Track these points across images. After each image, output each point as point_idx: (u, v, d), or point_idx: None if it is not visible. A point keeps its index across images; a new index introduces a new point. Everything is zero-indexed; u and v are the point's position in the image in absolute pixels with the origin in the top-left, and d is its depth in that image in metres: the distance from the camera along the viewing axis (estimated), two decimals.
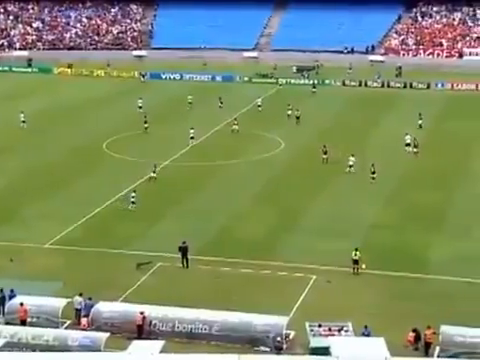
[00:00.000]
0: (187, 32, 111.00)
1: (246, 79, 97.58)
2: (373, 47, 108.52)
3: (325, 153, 62.62)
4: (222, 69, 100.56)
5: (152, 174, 58.56)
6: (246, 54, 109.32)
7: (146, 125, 72.98)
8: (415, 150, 64.51)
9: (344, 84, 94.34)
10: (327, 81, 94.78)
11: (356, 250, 42.94)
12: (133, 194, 53.32)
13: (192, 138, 68.41)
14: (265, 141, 69.85)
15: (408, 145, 65.50)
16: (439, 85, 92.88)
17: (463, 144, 67.92)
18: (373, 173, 57.96)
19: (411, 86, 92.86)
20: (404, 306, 39.07)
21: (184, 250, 44.28)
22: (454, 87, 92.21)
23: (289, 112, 77.58)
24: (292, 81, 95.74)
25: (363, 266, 42.71)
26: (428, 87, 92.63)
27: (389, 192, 56.20)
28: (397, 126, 71.32)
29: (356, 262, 42.80)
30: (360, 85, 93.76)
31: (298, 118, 75.46)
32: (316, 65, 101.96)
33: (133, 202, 52.83)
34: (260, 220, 50.99)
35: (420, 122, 72.32)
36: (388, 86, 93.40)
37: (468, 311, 38.19)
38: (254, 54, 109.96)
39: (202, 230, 49.18)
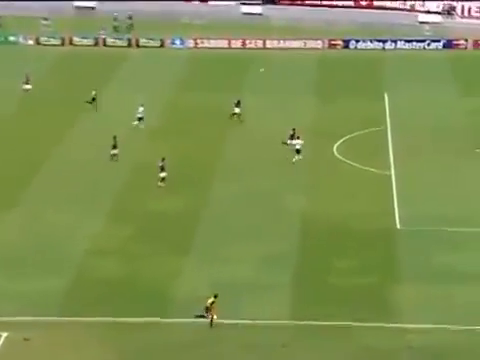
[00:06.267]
0: None
1: None
2: None
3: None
4: None
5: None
6: None
7: None
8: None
9: (38, 42, 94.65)
10: (12, 38, 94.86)
11: (215, 296, 42.84)
12: None
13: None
14: None
15: (140, 119, 68.89)
16: (177, 42, 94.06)
17: (213, 123, 70.04)
18: (162, 170, 58.04)
19: (138, 45, 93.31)
20: None
21: None
22: (198, 45, 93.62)
23: None
24: None
25: (214, 317, 42.81)
26: (162, 45, 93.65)
27: (111, 202, 56.32)
28: (123, 104, 71.99)
29: (207, 310, 43.17)
30: (63, 43, 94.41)
31: None
32: None
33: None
34: None
35: (238, 110, 70.81)
36: (104, 45, 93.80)
37: None
38: None
39: None
